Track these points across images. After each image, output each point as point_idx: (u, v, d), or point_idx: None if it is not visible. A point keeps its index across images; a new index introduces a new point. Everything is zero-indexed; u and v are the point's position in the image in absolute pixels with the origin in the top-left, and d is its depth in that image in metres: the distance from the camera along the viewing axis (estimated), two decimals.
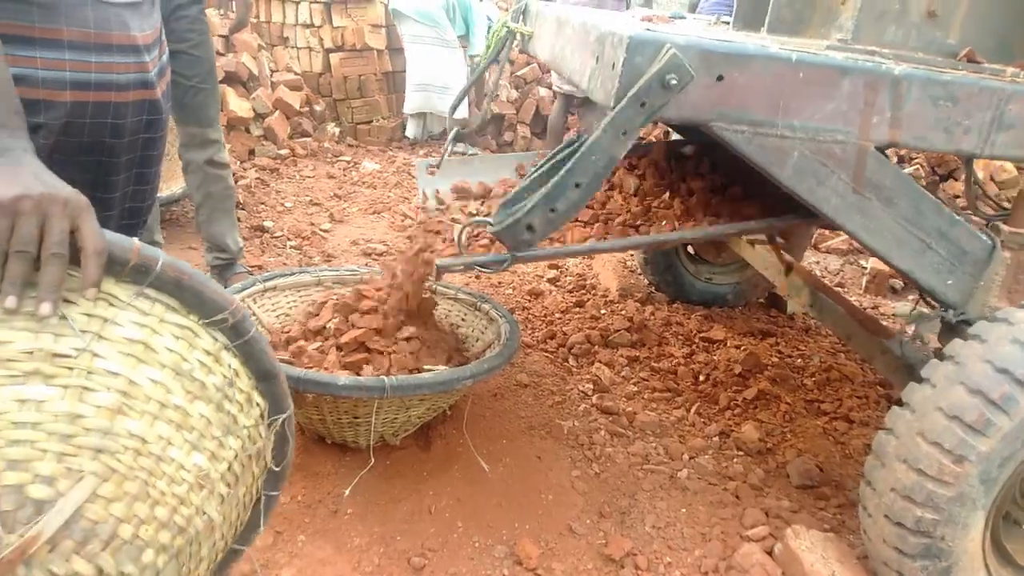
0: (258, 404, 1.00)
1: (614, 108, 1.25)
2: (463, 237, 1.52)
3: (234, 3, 2.50)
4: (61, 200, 0.79)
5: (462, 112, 5.22)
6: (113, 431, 0.82)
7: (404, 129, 6.02)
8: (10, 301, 0.76)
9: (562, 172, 1.33)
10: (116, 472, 0.82)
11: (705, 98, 1.28)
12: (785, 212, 1.72)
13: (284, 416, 1.02)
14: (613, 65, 1.27)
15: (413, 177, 4.90)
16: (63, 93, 1.05)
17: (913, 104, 1.34)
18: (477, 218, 1.50)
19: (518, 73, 6.16)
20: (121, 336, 0.85)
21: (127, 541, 0.84)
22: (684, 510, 1.88)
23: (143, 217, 1.30)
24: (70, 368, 0.81)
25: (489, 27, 5.49)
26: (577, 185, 1.34)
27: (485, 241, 1.70)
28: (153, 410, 0.86)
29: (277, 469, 1.06)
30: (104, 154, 1.15)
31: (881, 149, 1.40)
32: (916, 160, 4.12)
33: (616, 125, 1.27)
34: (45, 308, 0.78)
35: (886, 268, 3.46)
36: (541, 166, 1.39)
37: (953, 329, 1.52)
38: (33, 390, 0.78)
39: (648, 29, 1.29)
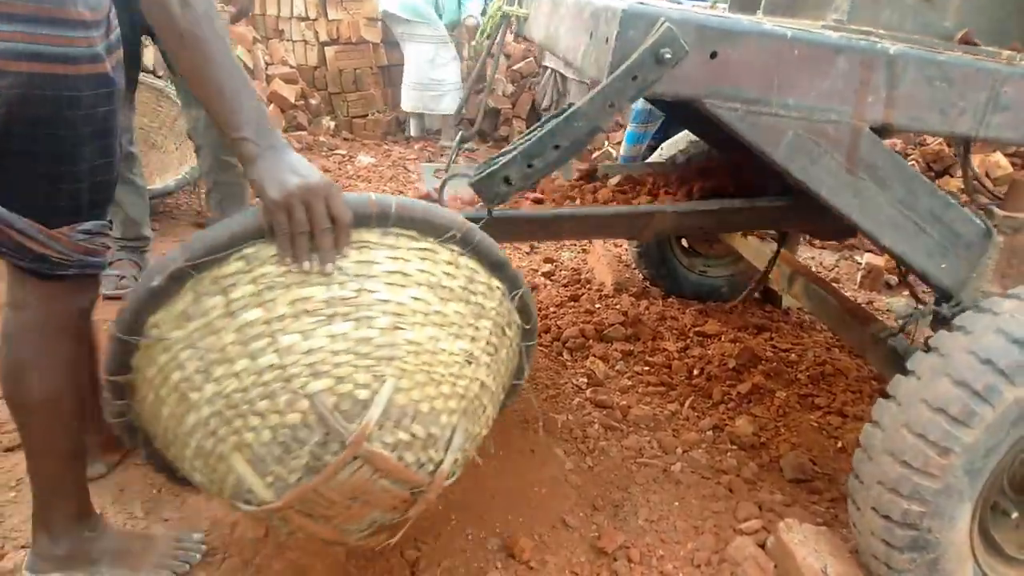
0: (498, 287, 1.29)
1: (606, 80, 1.25)
2: (443, 188, 1.54)
3: None
4: (319, 189, 1.07)
5: (451, 106, 5.23)
6: (396, 343, 1.12)
7: (403, 127, 5.99)
8: (306, 265, 1.08)
9: (545, 130, 1.33)
10: (406, 371, 1.13)
11: (698, 74, 1.27)
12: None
13: (521, 291, 1.31)
14: (606, 39, 1.26)
15: (409, 171, 4.88)
16: (18, 63, 1.08)
17: (908, 84, 1.33)
18: (457, 168, 1.52)
19: (515, 67, 6.14)
20: (383, 271, 1.13)
21: (426, 413, 1.15)
22: (677, 503, 1.88)
23: (109, 193, 1.31)
24: (356, 306, 1.10)
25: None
26: (557, 147, 1.34)
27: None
28: (420, 320, 1.15)
29: (528, 327, 1.38)
30: (64, 127, 1.17)
31: (876, 130, 1.39)
32: (911, 156, 4.12)
33: (605, 95, 1.27)
34: (328, 267, 1.09)
35: (881, 263, 3.46)
36: (528, 133, 1.40)
37: (944, 320, 1.52)
38: (338, 327, 1.09)
39: (642, 4, 1.28)
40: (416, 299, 1.14)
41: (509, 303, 1.31)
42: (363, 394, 1.10)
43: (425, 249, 1.17)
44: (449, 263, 1.19)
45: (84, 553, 1.45)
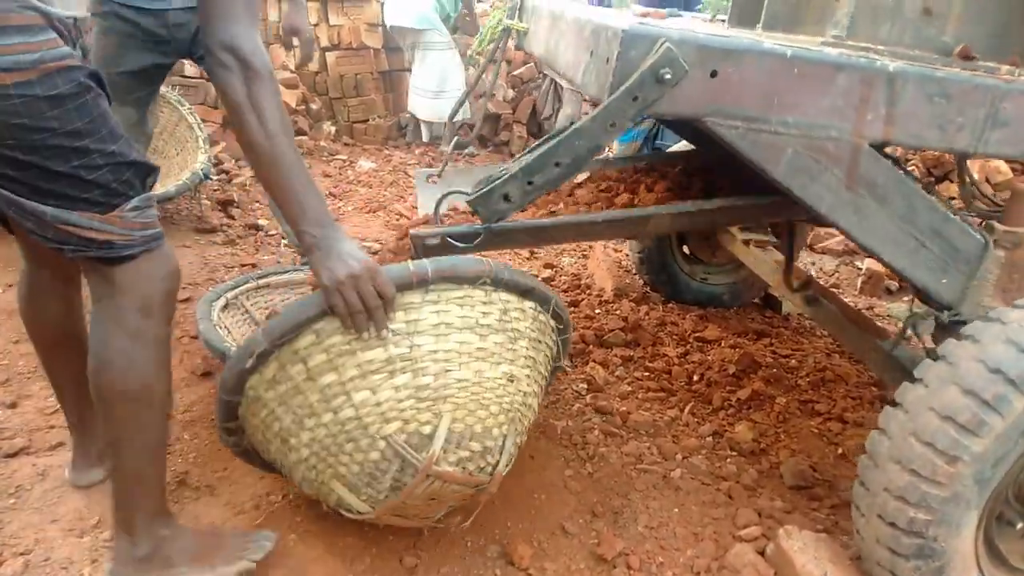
0: (531, 307, 1.51)
1: (607, 100, 1.25)
2: (439, 208, 1.53)
3: (298, 40, 2.54)
4: (364, 275, 1.27)
5: (464, 114, 5.21)
6: (447, 383, 1.36)
7: (403, 132, 5.97)
8: (365, 334, 1.31)
9: (545, 148, 1.33)
10: (459, 404, 1.37)
11: (699, 93, 1.28)
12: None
13: (551, 303, 1.54)
14: (607, 59, 1.27)
15: (409, 176, 4.89)
16: None
17: (907, 101, 1.33)
18: (453, 190, 1.51)
19: (515, 72, 6.15)
20: (429, 324, 1.35)
21: (480, 432, 1.41)
22: (677, 510, 1.88)
23: (140, 169, 1.31)
24: (411, 359, 1.34)
25: None
26: (557, 164, 1.34)
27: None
28: (465, 359, 1.38)
29: (562, 326, 1.63)
30: (58, 124, 1.16)
31: (875, 146, 1.40)
32: (912, 161, 4.13)
33: (606, 115, 1.27)
34: (383, 332, 1.32)
35: (881, 269, 3.46)
36: (528, 152, 1.40)
37: (947, 329, 1.52)
38: (399, 379, 1.34)
39: (642, 23, 1.28)
40: (460, 343, 1.38)
41: (544, 315, 1.54)
42: (427, 429, 1.36)
43: (463, 296, 1.38)
44: (484, 302, 1.41)
45: (162, 553, 1.45)
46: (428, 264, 1.33)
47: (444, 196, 1.52)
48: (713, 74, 1.27)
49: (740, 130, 1.32)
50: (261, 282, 2.24)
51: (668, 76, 1.23)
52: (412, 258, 1.60)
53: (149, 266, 1.33)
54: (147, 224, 1.32)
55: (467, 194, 1.46)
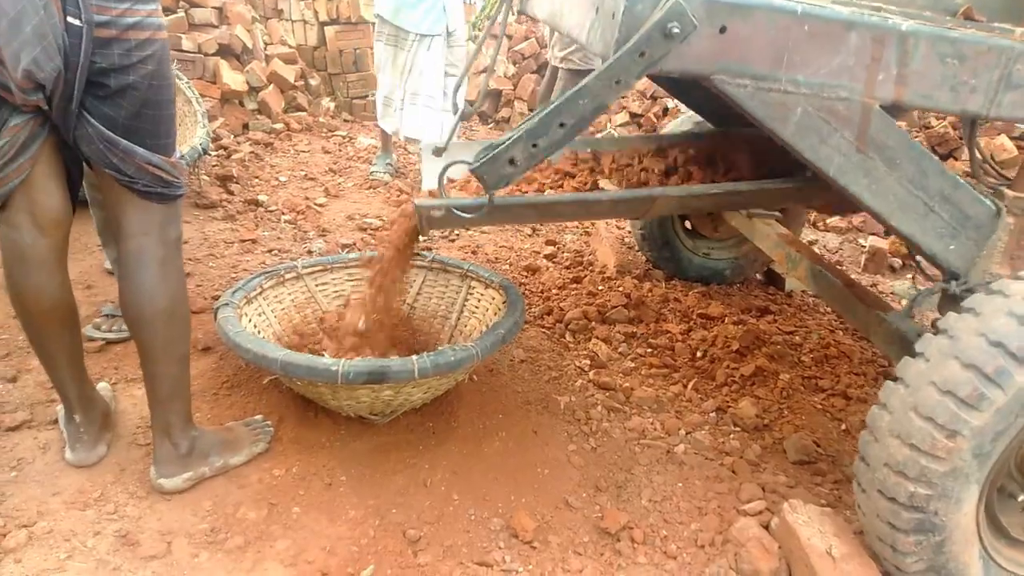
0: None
1: (613, 56, 1.22)
2: (443, 178, 1.51)
3: None
4: None
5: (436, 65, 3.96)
6: (415, 399, 1.92)
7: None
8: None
9: (549, 109, 1.30)
10: (420, 399, 1.95)
11: (707, 50, 1.25)
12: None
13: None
14: (613, 14, 1.23)
15: (409, 152, 4.84)
16: (161, 33, 1.44)
17: (920, 61, 1.31)
18: (457, 160, 1.48)
19: (516, 48, 6.08)
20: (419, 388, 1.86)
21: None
22: (680, 484, 1.87)
23: (175, 137, 1.59)
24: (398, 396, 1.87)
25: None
26: (562, 125, 1.32)
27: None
28: (431, 388, 1.92)
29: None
30: (169, 78, 1.50)
31: (886, 108, 1.37)
32: (917, 139, 4.09)
33: (611, 72, 1.24)
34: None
35: (885, 246, 3.44)
36: (528, 119, 1.37)
37: (952, 301, 1.50)
38: (385, 400, 1.85)
39: None
40: (433, 385, 1.88)
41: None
42: (387, 410, 1.95)
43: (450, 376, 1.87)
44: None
45: (198, 449, 1.72)
46: (430, 367, 1.69)
47: (448, 165, 1.48)
48: (722, 30, 1.24)
49: (749, 89, 1.29)
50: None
51: (676, 30, 1.19)
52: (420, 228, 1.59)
53: (178, 212, 1.60)
54: (183, 172, 1.59)
55: (471, 163, 1.43)
